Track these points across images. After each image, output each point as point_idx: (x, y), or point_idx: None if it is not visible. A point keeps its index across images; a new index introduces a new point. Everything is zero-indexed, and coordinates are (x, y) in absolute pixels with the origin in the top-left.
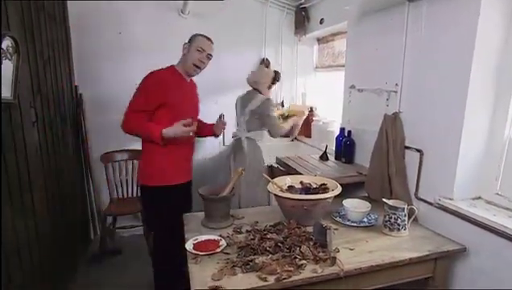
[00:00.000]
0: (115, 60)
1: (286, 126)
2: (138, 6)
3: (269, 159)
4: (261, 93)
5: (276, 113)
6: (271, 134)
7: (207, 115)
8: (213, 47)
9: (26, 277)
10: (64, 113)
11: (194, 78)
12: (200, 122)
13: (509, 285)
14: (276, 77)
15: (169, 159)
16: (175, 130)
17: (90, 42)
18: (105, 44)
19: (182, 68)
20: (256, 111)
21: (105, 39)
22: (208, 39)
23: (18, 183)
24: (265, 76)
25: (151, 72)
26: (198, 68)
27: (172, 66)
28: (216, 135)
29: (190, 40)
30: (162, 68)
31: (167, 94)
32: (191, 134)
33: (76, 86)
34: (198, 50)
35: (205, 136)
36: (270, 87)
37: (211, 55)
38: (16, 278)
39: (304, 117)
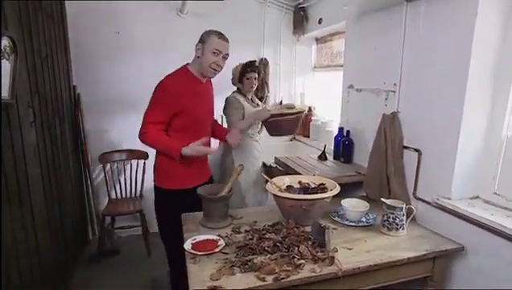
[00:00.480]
0: (113, 59)
1: (241, 124)
2: (137, 5)
3: (268, 159)
4: (240, 90)
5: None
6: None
7: None
8: (229, 45)
9: (24, 277)
10: (62, 113)
11: None
12: (215, 123)
13: (507, 284)
14: (246, 68)
15: (187, 162)
16: (192, 150)
17: (88, 41)
18: (103, 44)
19: (197, 70)
20: (224, 111)
21: (103, 38)
22: (223, 38)
23: (16, 183)
24: (234, 71)
25: (163, 80)
26: (216, 70)
27: (185, 66)
28: (227, 143)
29: (202, 40)
30: (174, 72)
31: (181, 103)
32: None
33: (74, 86)
34: (214, 52)
35: (216, 138)
36: (241, 80)
37: (227, 54)
38: (15, 278)
39: (304, 113)
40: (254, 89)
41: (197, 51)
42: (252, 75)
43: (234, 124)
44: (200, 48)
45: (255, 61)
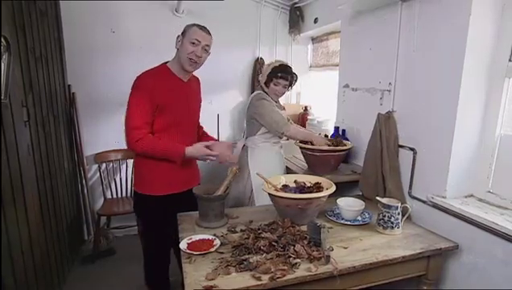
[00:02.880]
0: (108, 58)
1: (297, 131)
2: (132, 4)
3: None
4: (266, 93)
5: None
6: (273, 132)
7: (201, 115)
8: (211, 38)
9: (19, 278)
10: (57, 113)
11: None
12: (200, 130)
13: (500, 281)
14: (277, 71)
15: (160, 167)
16: (198, 151)
17: (83, 40)
18: (98, 43)
19: (177, 67)
20: (247, 112)
21: (98, 37)
22: (205, 30)
23: (9, 183)
24: (264, 69)
25: (137, 77)
26: (195, 62)
27: (164, 64)
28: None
29: (183, 32)
30: (150, 69)
31: (159, 99)
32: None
33: (69, 85)
34: (192, 42)
35: None
36: (267, 83)
37: (208, 46)
38: (9, 279)
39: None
40: (278, 98)
41: (177, 43)
42: (281, 82)
43: (287, 123)
44: (179, 40)
45: (290, 67)
